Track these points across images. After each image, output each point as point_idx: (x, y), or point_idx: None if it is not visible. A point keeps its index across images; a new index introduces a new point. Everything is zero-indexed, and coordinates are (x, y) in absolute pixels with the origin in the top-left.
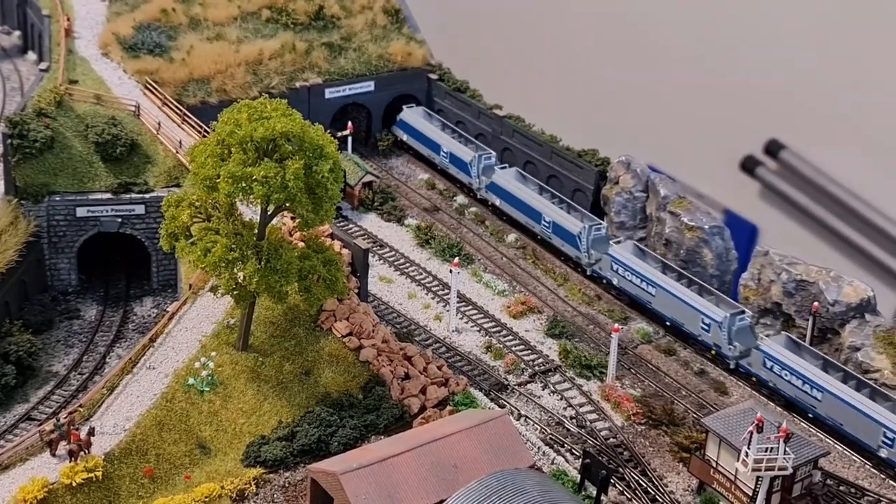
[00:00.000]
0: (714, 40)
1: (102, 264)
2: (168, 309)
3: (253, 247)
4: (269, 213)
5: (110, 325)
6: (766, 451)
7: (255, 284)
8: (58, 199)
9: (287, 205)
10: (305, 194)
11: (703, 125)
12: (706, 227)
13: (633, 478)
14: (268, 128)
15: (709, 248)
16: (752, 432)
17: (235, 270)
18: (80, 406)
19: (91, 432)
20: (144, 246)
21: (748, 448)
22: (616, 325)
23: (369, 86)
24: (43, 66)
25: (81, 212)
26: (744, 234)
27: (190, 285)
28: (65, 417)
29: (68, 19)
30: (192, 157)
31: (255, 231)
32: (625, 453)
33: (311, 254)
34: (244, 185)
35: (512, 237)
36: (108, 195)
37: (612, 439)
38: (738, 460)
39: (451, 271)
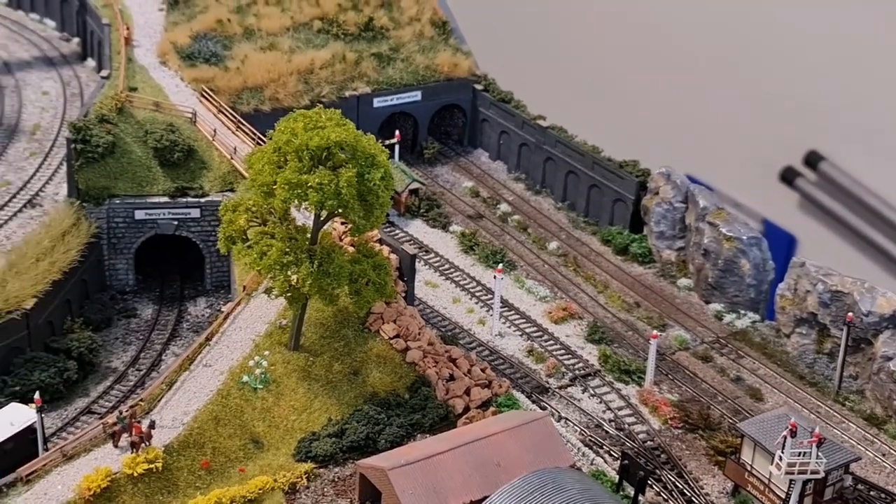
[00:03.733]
0: (755, 51)
1: (158, 265)
2: (223, 309)
3: (306, 251)
4: (321, 218)
5: (166, 324)
6: (799, 455)
7: (309, 287)
8: (118, 201)
9: (339, 211)
10: (357, 201)
11: (743, 136)
12: (744, 237)
13: (670, 479)
14: (323, 137)
15: (746, 259)
16: (786, 437)
17: (289, 273)
18: (141, 400)
19: (152, 425)
20: (199, 248)
21: (782, 452)
22: (654, 332)
23: (416, 95)
24: (104, 73)
25: (140, 214)
26: (782, 244)
27: (244, 287)
28: (127, 411)
29: (128, 28)
30: (250, 164)
31: (308, 235)
32: (662, 456)
33: (362, 258)
34: (300, 191)
35: (554, 245)
36: (166, 199)
37: (649, 442)
38: (771, 464)
39: (494, 277)
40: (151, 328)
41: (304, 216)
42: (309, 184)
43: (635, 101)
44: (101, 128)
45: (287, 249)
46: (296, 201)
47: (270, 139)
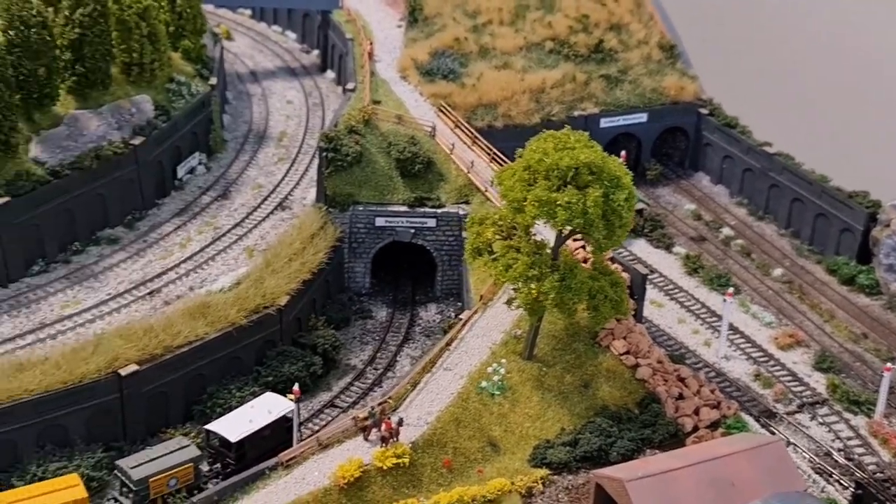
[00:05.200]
0: None
1: (391, 270)
2: (461, 316)
3: (550, 266)
4: (563, 235)
5: (399, 327)
6: None
7: (551, 300)
8: (360, 208)
9: (583, 229)
10: (601, 220)
11: None
12: None
13: None
14: (573, 157)
15: None
16: None
17: (532, 286)
18: (389, 398)
19: (400, 422)
20: (432, 256)
21: None
22: (888, 364)
23: (642, 117)
24: (350, 86)
25: (380, 221)
26: None
27: (481, 296)
28: (377, 407)
29: (371, 44)
30: (500, 180)
31: (548, 251)
32: (893, 488)
33: (599, 275)
34: (548, 209)
35: (778, 271)
36: (405, 208)
37: (879, 474)
38: None
39: (724, 300)
40: (386, 330)
41: (538, 231)
42: (558, 202)
43: (866, 129)
44: (349, 138)
45: (532, 263)
46: (544, 218)
47: (520, 157)
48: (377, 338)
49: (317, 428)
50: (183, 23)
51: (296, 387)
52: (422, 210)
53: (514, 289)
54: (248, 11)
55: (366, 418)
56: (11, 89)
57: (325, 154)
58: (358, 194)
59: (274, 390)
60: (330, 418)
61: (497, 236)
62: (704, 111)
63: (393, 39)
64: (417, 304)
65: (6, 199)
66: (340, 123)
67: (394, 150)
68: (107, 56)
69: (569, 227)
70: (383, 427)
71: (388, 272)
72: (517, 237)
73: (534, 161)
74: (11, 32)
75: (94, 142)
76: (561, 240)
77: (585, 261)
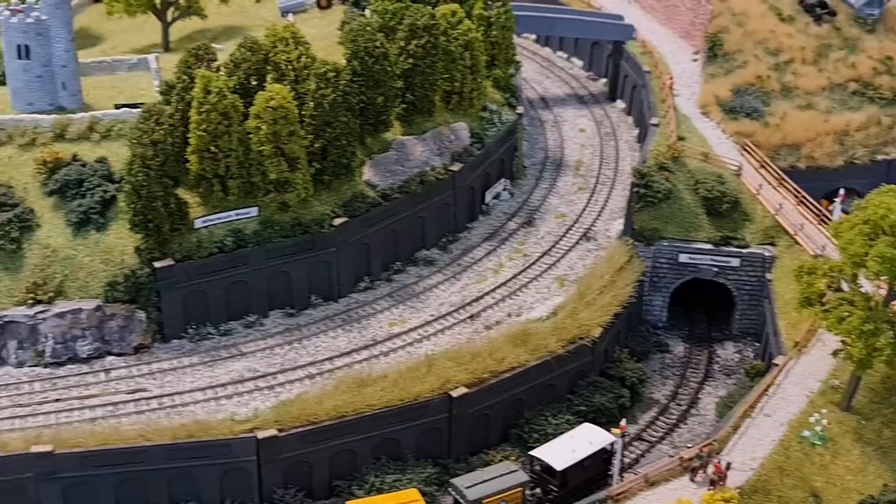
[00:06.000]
0: None
1: (685, 305)
2: (776, 362)
3: (887, 321)
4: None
5: (697, 363)
6: None
7: (886, 356)
8: (665, 244)
9: None
10: None
11: None
12: None
13: None
14: None
15: None
16: None
17: (868, 341)
18: (714, 441)
19: (728, 466)
20: (732, 295)
21: None
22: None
23: None
24: (654, 121)
25: (683, 258)
26: None
27: (796, 343)
28: (704, 449)
29: (671, 78)
30: (838, 231)
31: (874, 303)
32: None
33: None
34: (891, 265)
35: None
36: (709, 246)
37: None
38: None
39: None
40: (685, 365)
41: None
42: None
43: None
44: (660, 175)
45: (867, 318)
46: (886, 275)
47: (859, 210)
48: (677, 373)
49: (626, 461)
50: (496, 52)
51: (623, 422)
52: (727, 249)
53: (842, 341)
54: (533, 36)
55: (691, 459)
56: (355, 116)
57: (636, 189)
58: (663, 230)
59: (585, 419)
60: (638, 452)
61: (828, 288)
62: None
63: (689, 73)
64: (714, 340)
65: (344, 219)
66: (650, 159)
67: (701, 189)
68: (433, 85)
69: None
70: (712, 469)
71: (682, 307)
72: (852, 290)
73: (876, 216)
74: (356, 63)
75: (419, 167)
76: (894, 295)
77: None
